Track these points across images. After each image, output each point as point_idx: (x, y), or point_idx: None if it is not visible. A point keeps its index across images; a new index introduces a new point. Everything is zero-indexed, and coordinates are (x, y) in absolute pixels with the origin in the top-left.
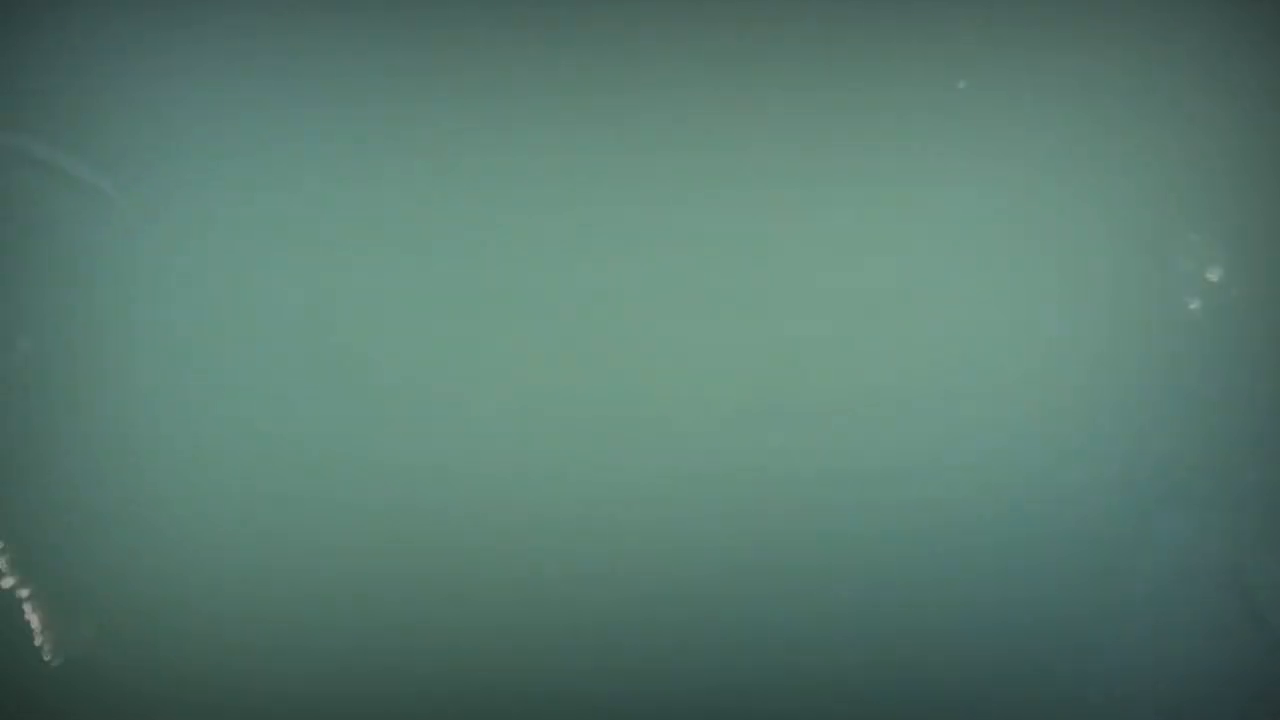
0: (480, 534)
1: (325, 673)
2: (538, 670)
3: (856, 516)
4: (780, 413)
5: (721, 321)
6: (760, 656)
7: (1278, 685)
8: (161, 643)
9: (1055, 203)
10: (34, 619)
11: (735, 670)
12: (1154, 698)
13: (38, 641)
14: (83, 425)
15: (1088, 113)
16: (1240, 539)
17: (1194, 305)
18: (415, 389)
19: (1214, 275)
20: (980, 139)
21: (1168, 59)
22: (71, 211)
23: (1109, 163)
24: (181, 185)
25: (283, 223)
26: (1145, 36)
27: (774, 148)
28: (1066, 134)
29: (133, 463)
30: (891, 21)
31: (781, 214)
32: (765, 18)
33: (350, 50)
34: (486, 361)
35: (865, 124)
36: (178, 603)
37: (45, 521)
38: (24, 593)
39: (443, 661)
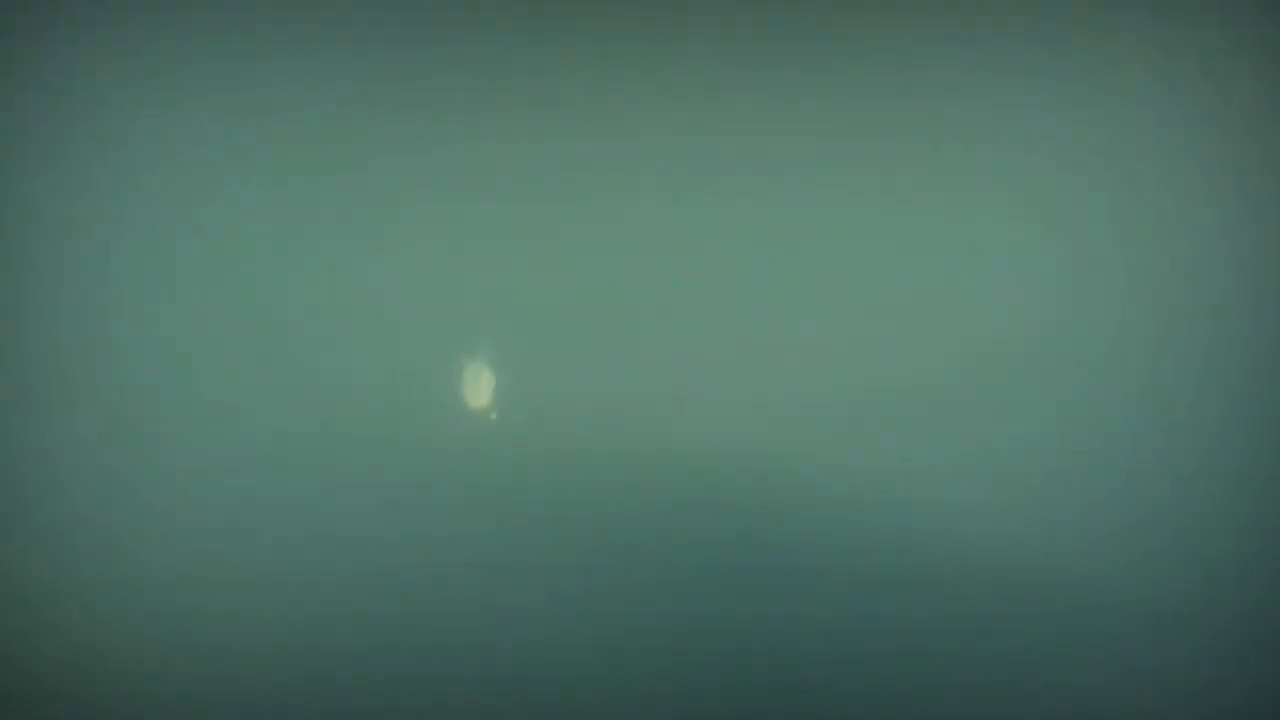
0: (483, 533)
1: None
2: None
3: (860, 518)
4: (787, 412)
5: (726, 320)
6: (760, 660)
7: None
8: (158, 643)
9: (1062, 203)
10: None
11: (737, 672)
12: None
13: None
14: (76, 426)
15: (1094, 111)
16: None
17: (1201, 303)
18: (418, 390)
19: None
20: (985, 140)
21: (1171, 58)
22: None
23: (1115, 162)
24: (183, 184)
25: (284, 222)
26: (1147, 35)
27: (777, 145)
28: (1074, 132)
29: (127, 464)
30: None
31: (786, 211)
32: (768, 17)
33: (352, 49)
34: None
35: (873, 122)
36: (176, 603)
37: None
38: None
39: (445, 661)
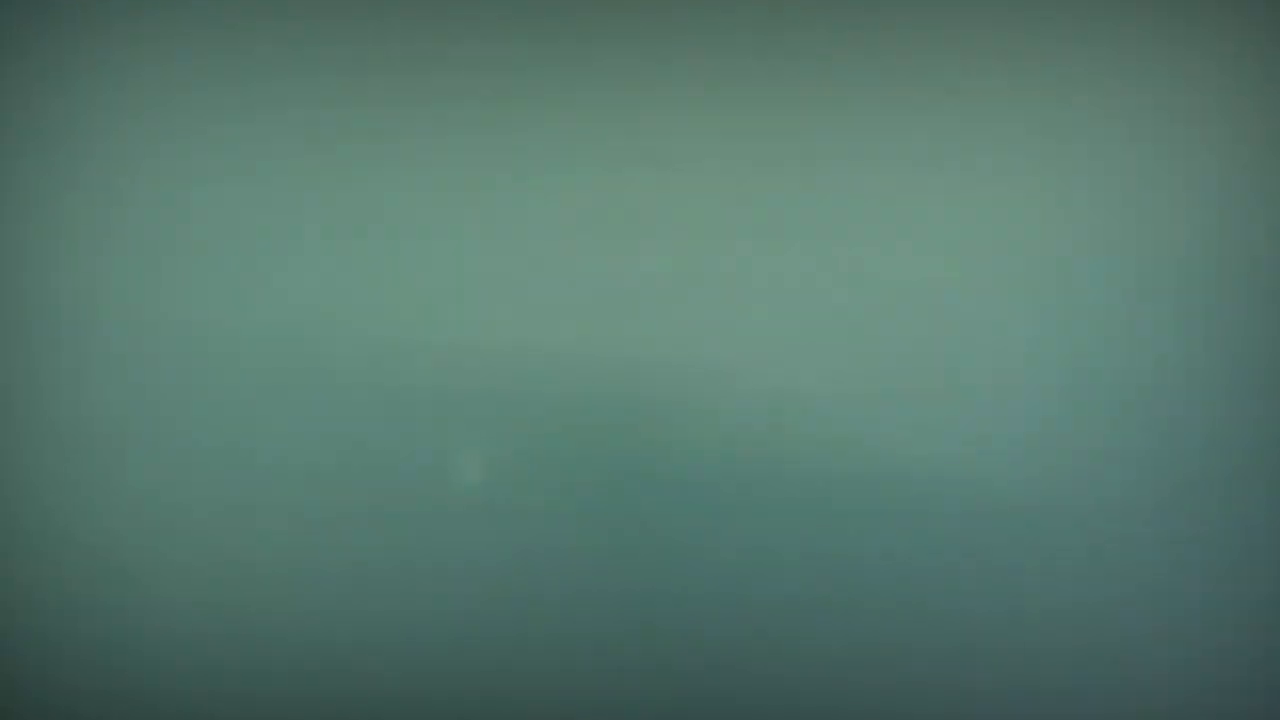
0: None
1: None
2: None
3: (867, 508)
4: (796, 401)
5: (741, 307)
6: (768, 648)
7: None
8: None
9: (1068, 203)
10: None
11: (738, 662)
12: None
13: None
14: (80, 421)
15: (1097, 113)
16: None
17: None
18: (422, 379)
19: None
20: (993, 141)
21: (1171, 60)
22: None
23: (1118, 163)
24: (185, 182)
25: (286, 215)
26: (1148, 38)
27: (791, 144)
28: (1077, 135)
29: (132, 458)
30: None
31: (804, 206)
32: (784, 18)
33: (349, 44)
34: (498, 348)
35: (887, 125)
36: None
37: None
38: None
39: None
